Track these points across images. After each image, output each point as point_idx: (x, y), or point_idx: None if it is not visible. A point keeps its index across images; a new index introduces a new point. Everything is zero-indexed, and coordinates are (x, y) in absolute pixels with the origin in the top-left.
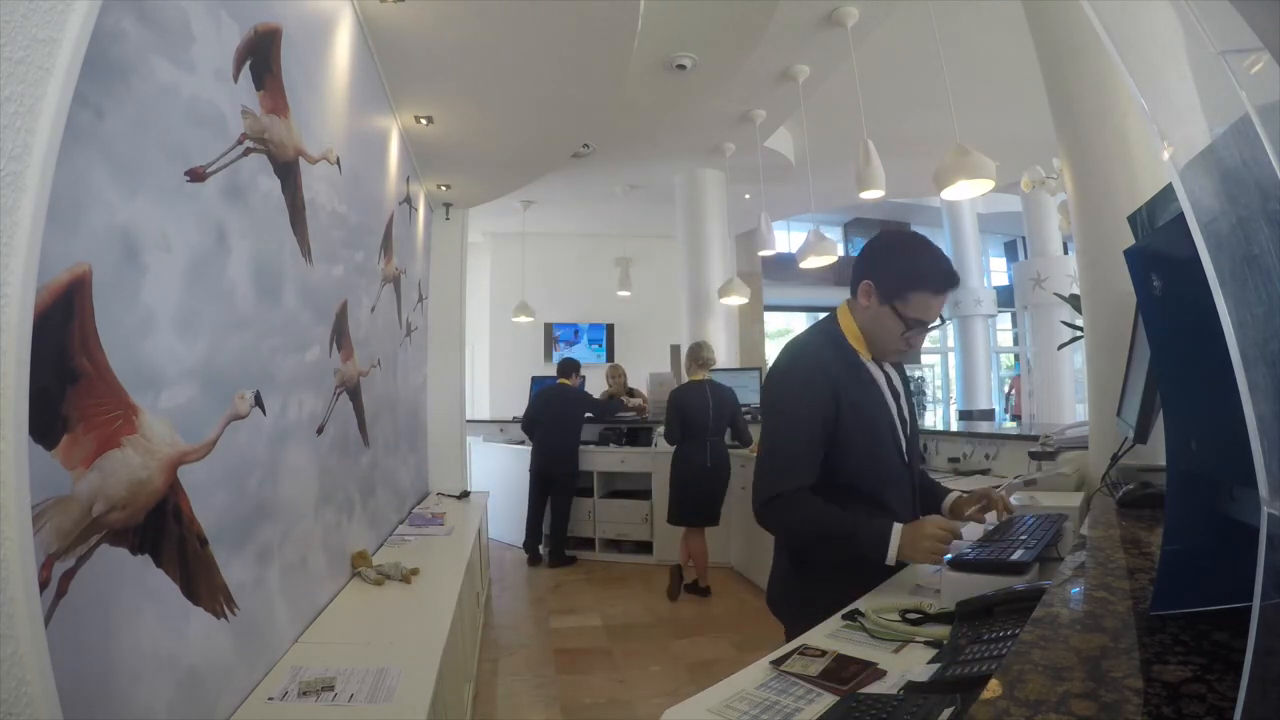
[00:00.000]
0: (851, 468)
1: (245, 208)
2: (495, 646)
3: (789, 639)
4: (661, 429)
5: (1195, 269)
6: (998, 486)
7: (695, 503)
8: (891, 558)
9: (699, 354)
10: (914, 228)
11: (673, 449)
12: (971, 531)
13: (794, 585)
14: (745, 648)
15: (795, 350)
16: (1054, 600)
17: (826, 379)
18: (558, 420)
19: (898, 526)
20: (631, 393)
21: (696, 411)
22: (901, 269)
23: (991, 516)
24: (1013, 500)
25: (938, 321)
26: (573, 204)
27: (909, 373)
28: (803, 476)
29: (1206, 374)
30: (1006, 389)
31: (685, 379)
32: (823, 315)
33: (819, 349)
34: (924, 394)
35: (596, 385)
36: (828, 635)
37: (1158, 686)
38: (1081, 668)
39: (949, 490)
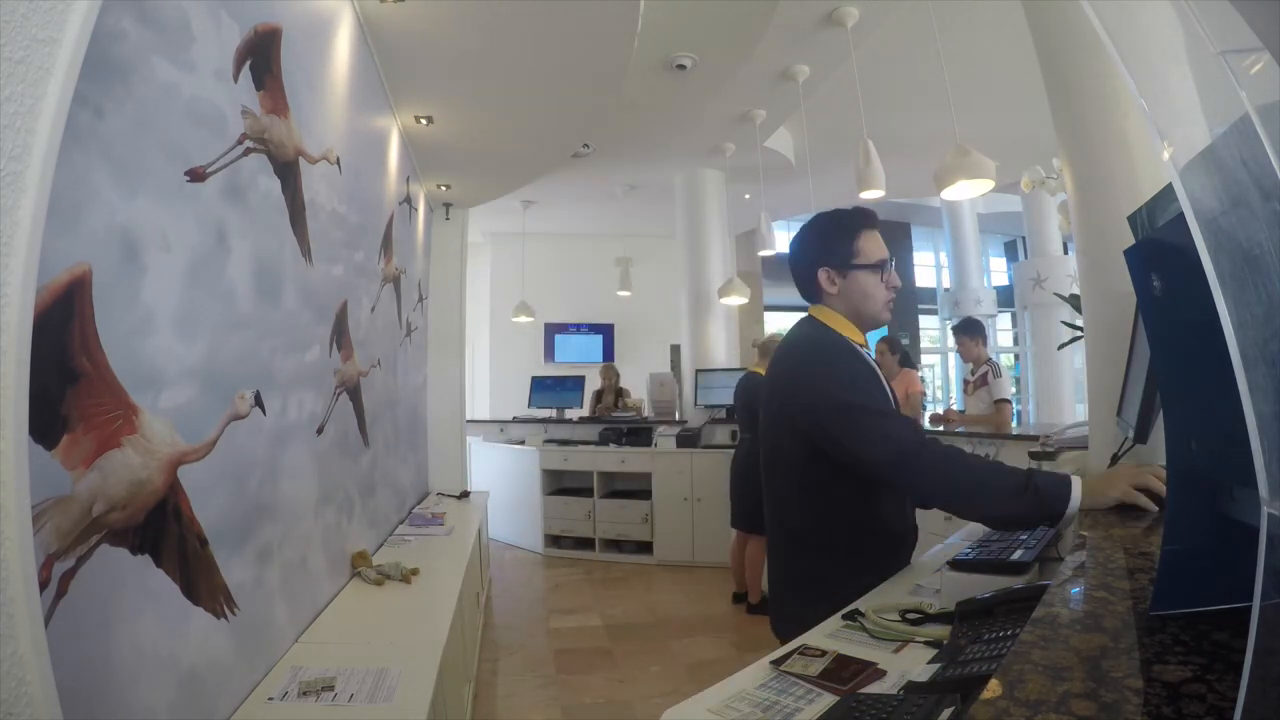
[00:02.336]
0: None
1: (245, 208)
2: (495, 646)
3: None
4: (661, 429)
5: (1195, 269)
6: None
7: (748, 505)
8: (1075, 502)
9: (768, 347)
10: (914, 228)
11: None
12: (970, 533)
13: (805, 613)
14: (745, 648)
15: (816, 348)
16: (1054, 600)
17: (856, 356)
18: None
19: (1075, 481)
20: (621, 393)
21: (749, 407)
22: (834, 235)
23: None
24: None
25: (892, 259)
26: (573, 204)
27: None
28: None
29: (1206, 374)
30: None
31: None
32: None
33: (830, 339)
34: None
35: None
36: (828, 635)
37: (1158, 686)
38: (1081, 668)
39: None
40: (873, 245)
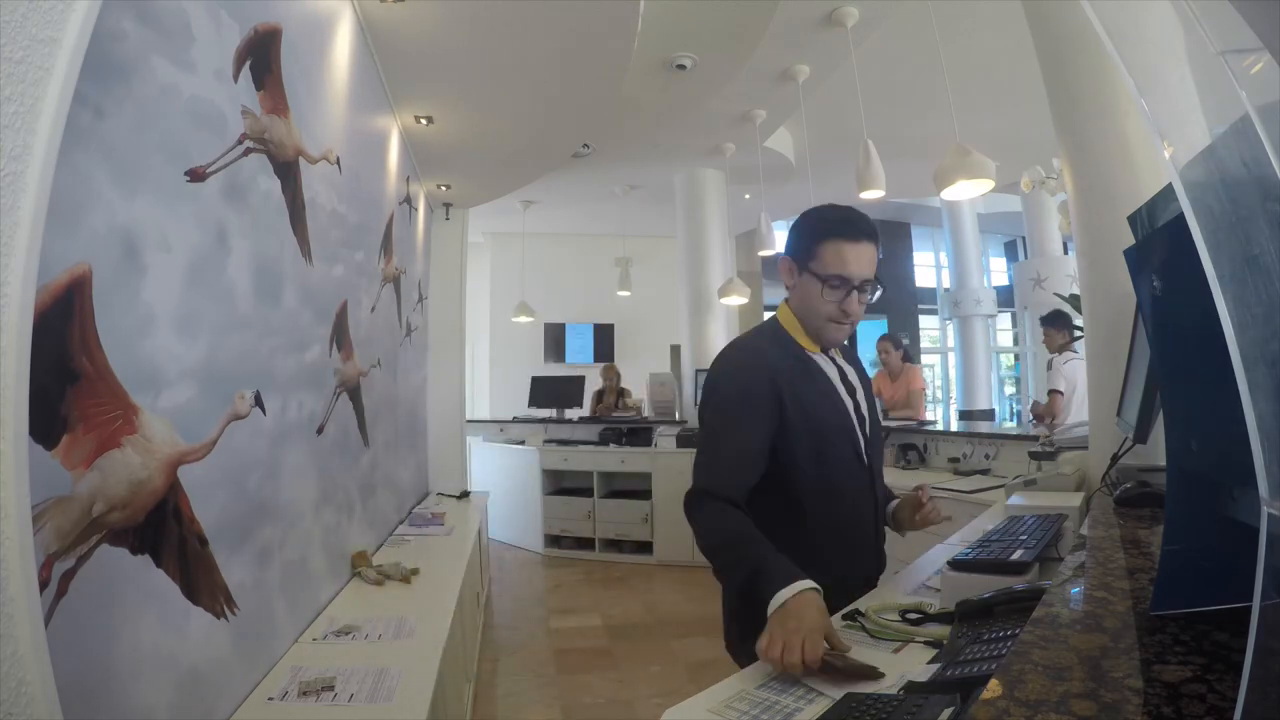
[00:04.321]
0: (800, 470)
1: (245, 208)
2: (495, 646)
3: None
4: (661, 429)
5: (1195, 269)
6: (919, 487)
7: None
8: (774, 604)
9: None
10: (914, 228)
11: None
12: (970, 533)
13: (745, 623)
14: None
15: (734, 348)
16: (1054, 600)
17: (768, 374)
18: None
19: (804, 584)
20: (622, 393)
21: None
22: (804, 230)
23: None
24: (1011, 500)
25: (871, 287)
26: (573, 204)
27: None
28: (739, 478)
29: (1206, 374)
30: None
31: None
32: None
33: (758, 345)
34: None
35: (594, 385)
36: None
37: (1158, 686)
38: (1081, 668)
39: (893, 497)
40: (834, 257)
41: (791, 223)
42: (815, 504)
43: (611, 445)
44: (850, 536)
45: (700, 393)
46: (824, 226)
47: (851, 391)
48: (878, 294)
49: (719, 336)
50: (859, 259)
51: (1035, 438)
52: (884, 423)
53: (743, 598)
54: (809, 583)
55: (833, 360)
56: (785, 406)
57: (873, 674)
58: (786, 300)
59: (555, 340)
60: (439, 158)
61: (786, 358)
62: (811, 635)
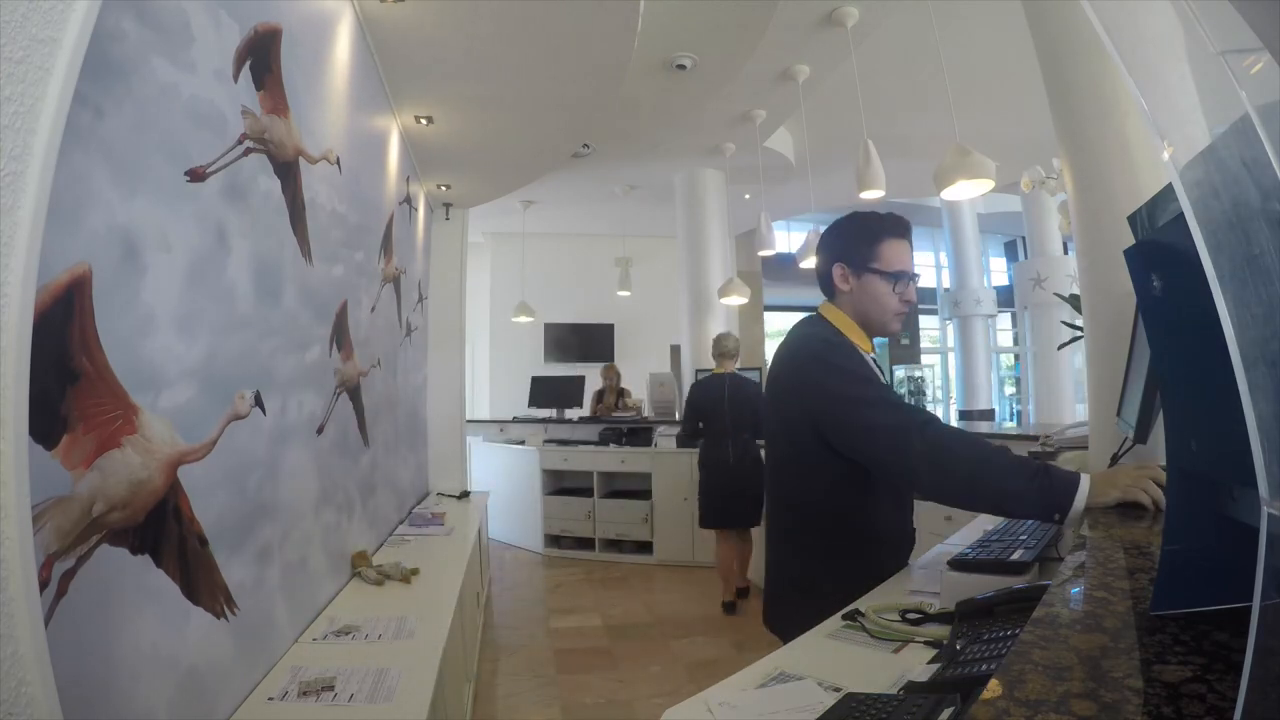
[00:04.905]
0: None
1: (245, 208)
2: (495, 646)
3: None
4: (661, 429)
5: (1195, 269)
6: None
7: (721, 503)
8: (1081, 500)
9: (720, 344)
10: (914, 228)
11: (680, 448)
12: (970, 533)
13: (805, 612)
14: (745, 648)
15: (813, 336)
16: (1054, 600)
17: (861, 357)
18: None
19: (1084, 474)
20: (622, 393)
21: (711, 405)
22: (858, 235)
23: None
24: None
25: (918, 272)
26: (573, 204)
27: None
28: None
29: (1206, 374)
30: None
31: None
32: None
33: (841, 339)
34: (924, 394)
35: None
36: (828, 635)
37: (1158, 686)
38: (1081, 668)
39: None
40: (895, 254)
41: (827, 230)
42: (885, 497)
43: (611, 445)
44: (907, 507)
45: (790, 383)
46: (880, 228)
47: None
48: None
49: None
50: (908, 252)
51: (1035, 438)
52: None
53: (785, 582)
54: (1085, 475)
55: (874, 361)
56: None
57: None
58: (829, 304)
59: (555, 340)
60: (439, 158)
61: (858, 352)
62: (1142, 479)
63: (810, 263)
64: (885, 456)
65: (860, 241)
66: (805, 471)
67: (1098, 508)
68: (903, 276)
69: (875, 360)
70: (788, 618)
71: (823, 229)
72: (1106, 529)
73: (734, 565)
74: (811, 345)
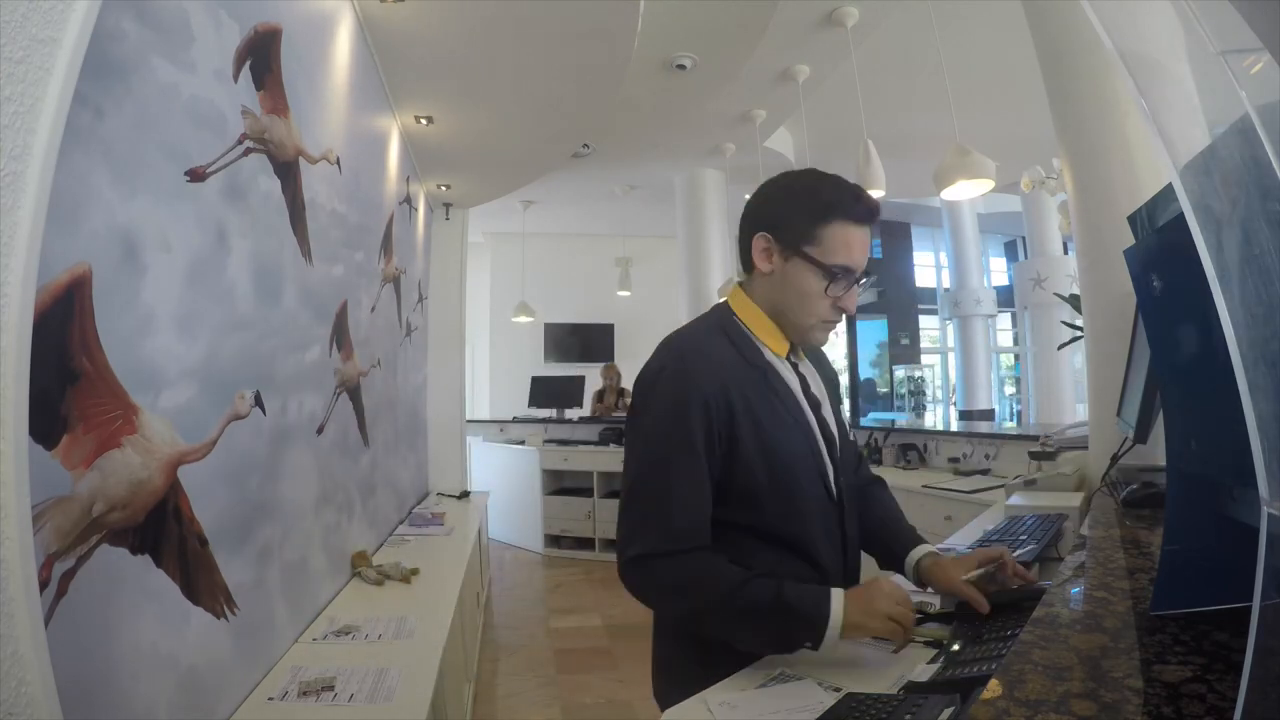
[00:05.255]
0: (755, 512)
1: (245, 208)
2: (495, 646)
3: None
4: None
5: (1195, 269)
6: (994, 555)
7: None
8: (834, 633)
9: None
10: (914, 228)
11: None
12: (970, 533)
13: (690, 675)
14: None
15: (673, 348)
16: (1054, 600)
17: (715, 385)
18: None
19: (838, 591)
20: (623, 393)
21: None
22: (801, 203)
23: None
24: (1011, 500)
25: (871, 273)
26: (573, 204)
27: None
28: (685, 523)
29: (1206, 374)
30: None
31: None
32: None
33: (708, 345)
34: (924, 394)
35: (594, 385)
36: None
37: (1158, 686)
38: (1081, 668)
39: (919, 541)
40: (841, 241)
41: (765, 184)
42: (770, 555)
43: (611, 445)
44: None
45: (630, 407)
46: (835, 201)
47: (816, 406)
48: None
49: None
50: (864, 245)
51: (1035, 437)
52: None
53: (679, 648)
54: (835, 590)
55: (794, 366)
56: (737, 424)
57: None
58: (742, 285)
59: (555, 340)
60: (439, 158)
61: (742, 365)
62: (893, 599)
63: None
64: (620, 526)
65: (801, 213)
66: None
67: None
68: (843, 274)
69: (799, 367)
70: (665, 693)
71: None
72: (1106, 529)
73: None
74: (658, 357)
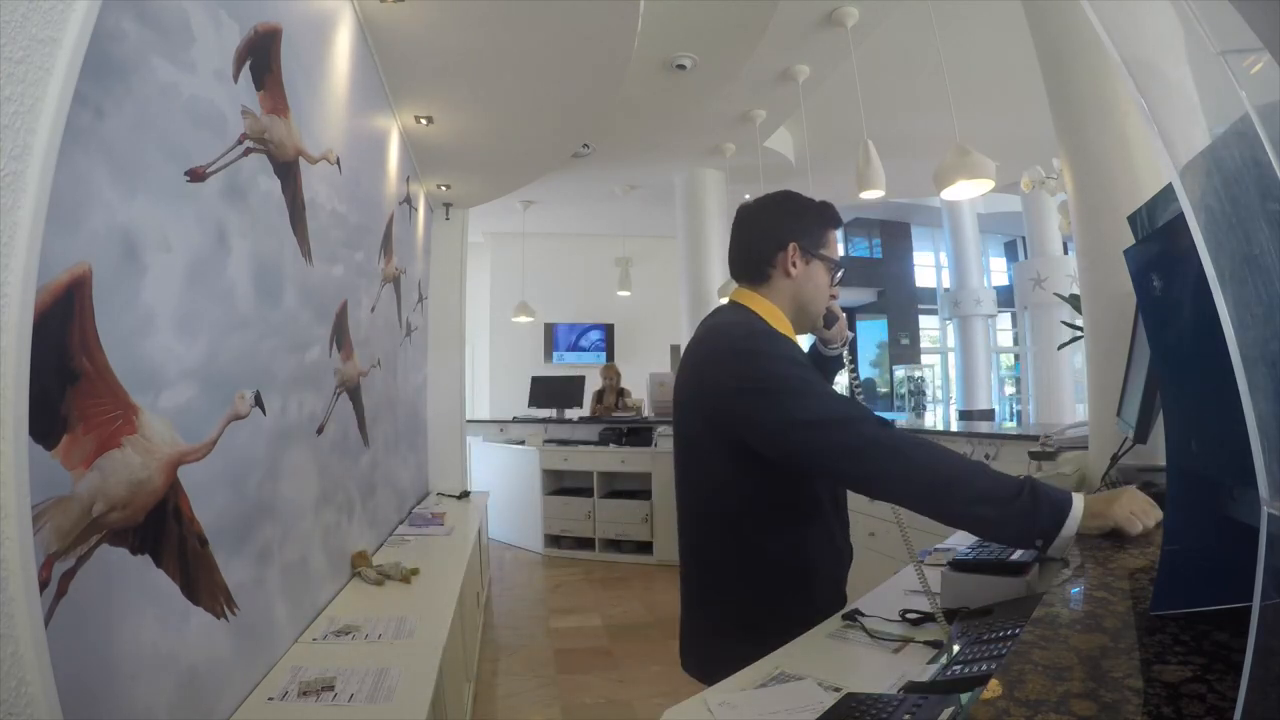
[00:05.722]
0: (820, 482)
1: (245, 208)
2: (495, 646)
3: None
4: (661, 429)
5: (1195, 269)
6: None
7: None
8: (1075, 519)
9: None
10: (914, 228)
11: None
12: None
13: (728, 654)
14: None
15: (736, 323)
16: (1054, 600)
17: (798, 345)
18: None
19: (1077, 496)
20: (622, 393)
21: None
22: (809, 215)
23: None
24: None
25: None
26: (573, 204)
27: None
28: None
29: (1206, 374)
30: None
31: None
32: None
33: (753, 325)
34: (924, 394)
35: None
36: (828, 635)
37: (1158, 686)
38: (1081, 668)
39: None
40: (834, 243)
41: (767, 205)
42: (824, 490)
43: (611, 445)
44: (843, 513)
45: (727, 365)
46: (828, 214)
47: None
48: None
49: None
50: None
51: (1035, 437)
52: None
53: (700, 615)
54: (1079, 495)
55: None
56: None
57: None
58: (751, 291)
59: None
60: (439, 158)
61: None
62: (1138, 506)
63: None
64: (829, 452)
65: (815, 223)
66: (729, 487)
67: (1089, 534)
68: (842, 265)
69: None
70: (715, 659)
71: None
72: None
73: None
74: (736, 339)
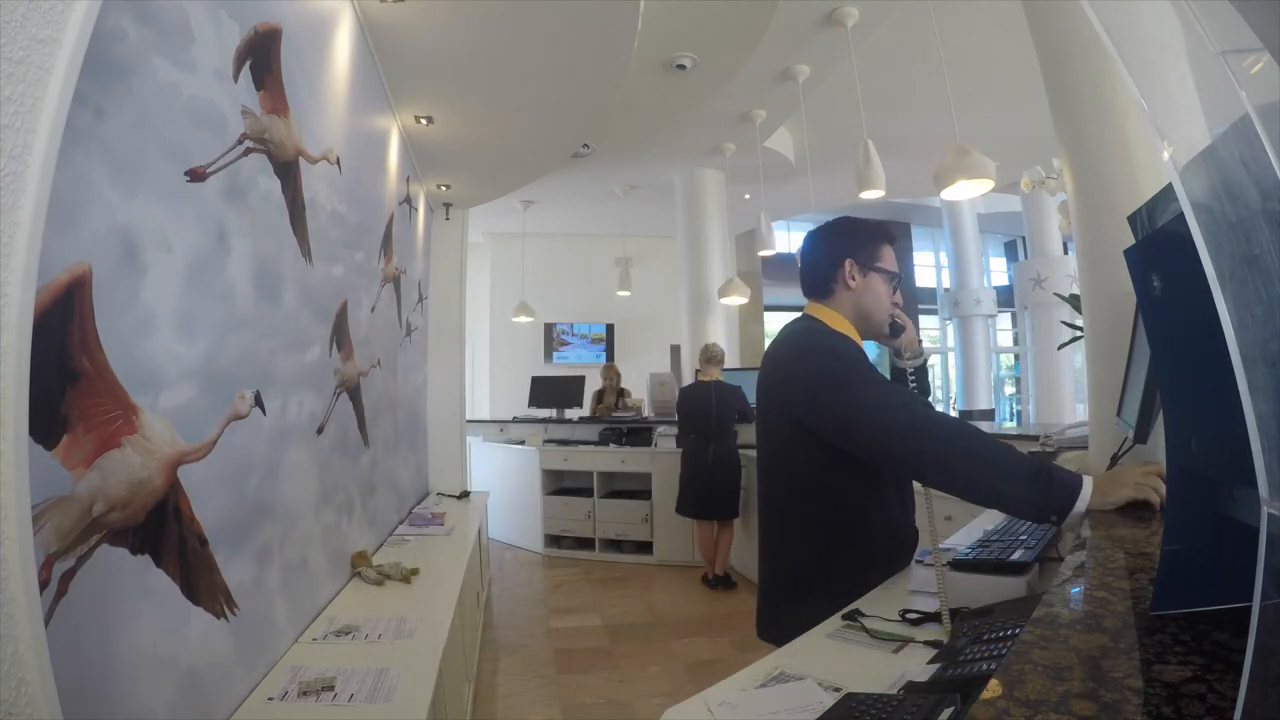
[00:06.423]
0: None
1: (245, 208)
2: (495, 646)
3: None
4: (661, 429)
5: (1195, 269)
6: None
7: (695, 497)
8: (1085, 497)
9: (708, 353)
10: (914, 228)
11: (679, 448)
12: (970, 533)
13: (802, 615)
14: (745, 648)
15: (807, 330)
16: (1054, 600)
17: (858, 348)
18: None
19: (1087, 477)
20: (622, 393)
21: (698, 414)
22: (864, 234)
23: None
24: None
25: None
26: (573, 204)
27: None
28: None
29: (1206, 374)
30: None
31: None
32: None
33: (823, 334)
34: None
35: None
36: (827, 635)
37: (1158, 686)
38: (1081, 668)
39: None
40: (890, 257)
41: (828, 228)
42: (895, 491)
43: (611, 445)
44: (908, 502)
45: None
46: (882, 231)
47: None
48: None
49: (719, 336)
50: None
51: (1035, 438)
52: None
53: (780, 587)
54: (1088, 477)
55: None
56: None
57: None
58: (820, 305)
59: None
60: (439, 158)
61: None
62: (1151, 477)
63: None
64: (880, 438)
65: (868, 241)
66: (800, 469)
67: (1101, 510)
68: (898, 277)
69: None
70: (787, 621)
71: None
72: (1107, 529)
73: (713, 544)
74: (805, 339)
